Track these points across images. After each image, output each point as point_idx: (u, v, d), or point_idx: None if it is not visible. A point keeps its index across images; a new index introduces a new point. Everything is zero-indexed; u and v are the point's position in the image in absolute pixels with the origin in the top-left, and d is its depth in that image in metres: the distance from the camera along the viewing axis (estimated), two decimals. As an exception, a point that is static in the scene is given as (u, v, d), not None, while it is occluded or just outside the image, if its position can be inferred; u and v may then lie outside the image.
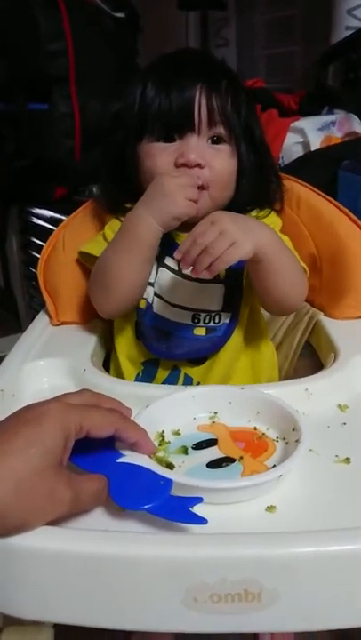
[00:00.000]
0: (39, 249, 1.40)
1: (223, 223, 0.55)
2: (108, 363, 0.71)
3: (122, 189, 0.68)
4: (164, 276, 0.67)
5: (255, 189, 0.67)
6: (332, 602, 0.36)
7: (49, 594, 0.37)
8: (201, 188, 0.62)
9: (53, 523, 0.37)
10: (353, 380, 0.56)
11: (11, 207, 1.47)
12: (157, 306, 0.67)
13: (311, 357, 0.72)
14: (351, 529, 0.37)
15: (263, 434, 0.49)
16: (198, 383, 0.66)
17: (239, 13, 1.50)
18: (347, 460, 0.45)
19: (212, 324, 0.65)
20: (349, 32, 1.22)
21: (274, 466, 0.44)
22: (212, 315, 0.65)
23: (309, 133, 1.08)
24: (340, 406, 0.53)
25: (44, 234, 1.38)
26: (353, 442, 0.48)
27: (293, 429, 0.46)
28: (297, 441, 0.44)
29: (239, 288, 0.66)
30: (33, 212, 1.41)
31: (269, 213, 0.70)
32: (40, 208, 1.40)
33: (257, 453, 0.47)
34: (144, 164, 0.64)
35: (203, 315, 0.66)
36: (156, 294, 0.67)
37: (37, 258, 1.41)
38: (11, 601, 0.37)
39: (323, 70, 1.24)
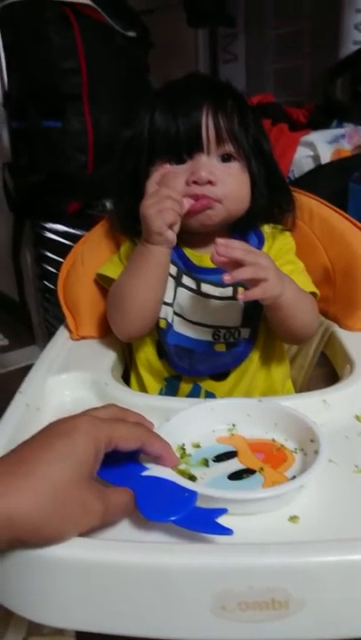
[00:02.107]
0: (53, 263, 1.44)
1: (264, 259, 0.57)
2: (127, 375, 0.73)
3: (134, 213, 0.68)
4: (183, 296, 0.68)
5: (268, 202, 0.69)
6: (359, 610, 0.37)
7: (79, 602, 0.38)
8: (214, 200, 0.63)
9: (84, 535, 0.38)
10: (370, 391, 0.56)
11: (25, 221, 1.50)
12: (178, 324, 0.68)
13: (325, 367, 0.73)
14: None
15: (282, 445, 0.50)
16: None
17: (248, 29, 1.52)
18: (365, 470, 0.46)
19: (232, 339, 0.67)
20: (357, 46, 1.24)
21: (294, 477, 0.45)
22: (232, 331, 0.67)
23: (319, 147, 1.09)
24: (357, 417, 0.54)
25: (58, 248, 1.41)
26: (371, 452, 0.49)
27: (312, 440, 0.47)
28: (316, 452, 0.45)
29: (257, 304, 0.66)
30: (47, 227, 1.43)
31: (283, 231, 0.71)
32: (54, 222, 1.42)
33: (276, 464, 0.48)
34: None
35: (223, 331, 0.67)
36: (175, 313, 0.68)
37: (51, 271, 1.44)
38: (42, 610, 0.39)
39: (331, 84, 1.26)
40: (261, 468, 0.47)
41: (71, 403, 0.59)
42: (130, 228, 0.70)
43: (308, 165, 1.10)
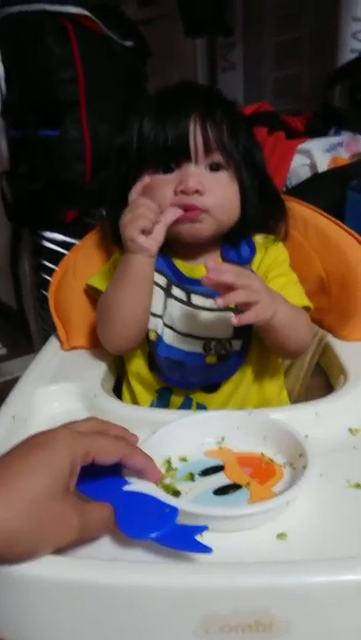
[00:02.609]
0: (51, 271, 1.43)
1: (256, 281, 0.57)
2: (118, 387, 0.72)
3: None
4: (174, 307, 0.67)
5: (260, 212, 0.68)
6: (346, 633, 0.36)
7: (55, 623, 0.37)
8: (202, 211, 0.62)
9: (60, 551, 0.37)
10: (363, 403, 0.55)
11: (23, 230, 1.50)
12: (168, 336, 0.67)
13: (322, 376, 0.72)
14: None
15: (270, 459, 0.49)
16: None
17: (246, 37, 1.52)
18: (358, 486, 0.45)
19: (223, 351, 0.66)
20: (355, 54, 1.24)
21: (281, 492, 0.44)
22: (223, 342, 0.66)
23: (317, 155, 1.08)
24: (350, 430, 0.53)
25: (56, 256, 1.40)
26: (364, 467, 0.47)
27: (300, 455, 0.46)
28: (304, 467, 0.44)
29: None
30: (45, 235, 1.43)
31: (275, 241, 0.70)
32: (52, 231, 1.42)
33: (264, 479, 0.47)
34: (145, 196, 0.64)
35: (214, 343, 0.66)
36: (166, 325, 0.67)
37: (49, 280, 1.43)
38: (16, 629, 0.37)
39: (329, 92, 1.25)
40: (248, 483, 0.46)
41: (60, 414, 0.58)
42: (119, 237, 0.70)
43: (305, 174, 1.09)
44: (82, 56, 1.26)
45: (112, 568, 0.37)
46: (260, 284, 0.57)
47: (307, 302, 0.66)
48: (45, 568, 0.36)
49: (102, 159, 1.31)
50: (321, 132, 1.17)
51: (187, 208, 0.61)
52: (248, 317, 0.56)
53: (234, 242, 0.68)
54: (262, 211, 0.68)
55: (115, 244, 0.71)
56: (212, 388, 0.67)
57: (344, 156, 1.08)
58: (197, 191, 0.61)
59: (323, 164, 1.07)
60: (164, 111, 0.63)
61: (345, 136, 1.12)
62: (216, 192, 0.62)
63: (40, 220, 1.43)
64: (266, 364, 0.70)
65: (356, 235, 0.71)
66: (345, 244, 0.71)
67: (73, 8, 1.25)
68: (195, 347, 0.67)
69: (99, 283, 0.69)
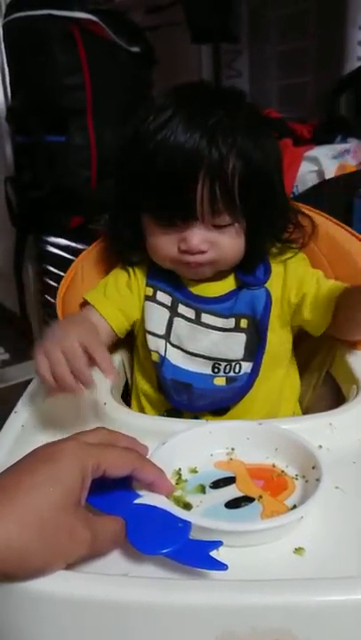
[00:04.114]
0: (55, 277, 1.43)
1: None
2: (126, 395, 0.71)
3: (126, 241, 0.67)
4: (181, 326, 0.66)
5: (270, 243, 0.66)
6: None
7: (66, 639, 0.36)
8: (206, 264, 0.62)
9: (71, 566, 0.36)
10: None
11: (27, 236, 1.49)
12: (175, 357, 0.66)
13: (330, 385, 0.71)
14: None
15: (282, 471, 0.48)
16: None
17: (252, 45, 1.52)
18: (375, 499, 0.44)
19: (232, 373, 0.64)
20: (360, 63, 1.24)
21: (294, 506, 0.43)
22: (233, 364, 0.64)
23: (324, 162, 1.08)
24: (364, 441, 0.52)
25: (60, 262, 1.40)
26: (380, 479, 0.46)
27: (313, 467, 0.45)
28: (317, 479, 0.43)
29: (261, 338, 0.64)
30: (49, 241, 1.43)
31: (296, 254, 0.68)
32: (56, 237, 1.42)
33: (276, 492, 0.46)
34: (147, 236, 0.64)
35: (223, 364, 0.64)
36: (172, 345, 0.66)
37: (53, 286, 1.43)
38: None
39: (336, 100, 1.25)
40: (260, 496, 0.45)
41: (69, 423, 0.57)
42: (120, 252, 0.70)
43: (312, 180, 1.09)
44: (88, 62, 1.26)
45: (123, 584, 0.36)
46: None
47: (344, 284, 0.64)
48: (56, 584, 0.35)
49: (108, 166, 1.31)
50: (327, 140, 1.16)
51: (190, 265, 0.61)
52: None
53: (247, 268, 0.66)
54: (275, 234, 0.66)
55: (116, 254, 0.70)
56: (220, 411, 0.65)
57: (351, 164, 1.08)
58: (201, 251, 0.60)
59: (330, 171, 1.07)
60: (169, 169, 0.57)
61: (352, 143, 1.12)
62: (220, 247, 0.61)
63: (44, 226, 1.43)
64: (279, 388, 0.69)
65: (367, 241, 0.71)
66: (356, 252, 0.70)
67: (80, 13, 1.25)
68: (203, 367, 0.65)
69: (91, 297, 0.68)
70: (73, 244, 1.39)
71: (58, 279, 1.39)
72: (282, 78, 1.52)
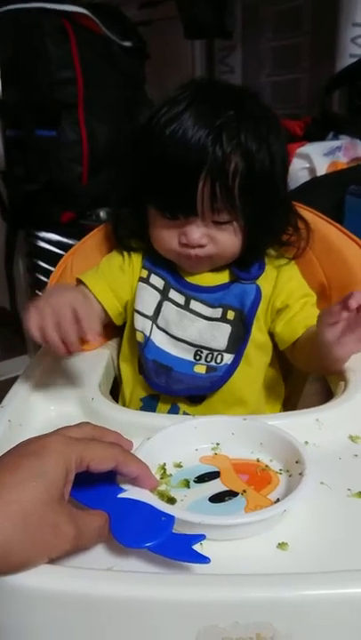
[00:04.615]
0: (46, 272, 1.42)
1: None
2: (115, 390, 0.71)
3: (129, 227, 0.69)
4: (169, 310, 0.67)
5: (268, 243, 0.68)
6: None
7: (49, 634, 0.36)
8: (205, 258, 0.64)
9: (54, 561, 0.36)
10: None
11: (18, 230, 1.48)
12: (160, 339, 0.67)
13: (317, 382, 0.71)
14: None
15: (266, 466, 0.48)
16: None
17: (245, 41, 1.52)
18: (359, 495, 0.45)
19: (213, 363, 0.65)
20: (354, 59, 1.24)
21: (278, 500, 0.43)
22: (215, 354, 0.65)
23: (315, 159, 1.08)
24: (351, 437, 0.52)
25: (51, 257, 1.39)
26: (365, 475, 0.47)
27: (297, 462, 0.46)
28: (301, 474, 0.43)
29: (246, 332, 0.65)
30: (40, 236, 1.42)
31: (288, 263, 0.69)
32: (47, 232, 1.41)
33: (260, 486, 0.46)
34: (150, 225, 0.65)
35: (205, 352, 0.66)
36: (159, 327, 0.67)
37: (44, 281, 1.43)
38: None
39: (328, 97, 1.25)
40: (244, 491, 0.45)
41: (57, 418, 0.57)
42: (122, 240, 0.70)
43: (303, 177, 1.09)
44: (80, 56, 1.25)
45: (107, 578, 0.36)
46: None
47: (313, 297, 0.68)
48: (39, 578, 0.35)
49: (99, 161, 1.31)
50: (319, 137, 1.17)
51: (189, 257, 0.63)
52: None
53: (243, 264, 0.67)
54: (273, 235, 0.68)
55: (119, 242, 0.71)
56: (196, 399, 0.66)
57: (343, 161, 1.08)
58: (200, 245, 0.62)
59: (322, 168, 1.07)
60: (174, 165, 0.58)
61: (344, 140, 1.12)
62: (219, 243, 0.63)
63: (35, 221, 1.42)
64: (258, 384, 0.69)
65: (358, 239, 0.71)
66: (346, 249, 0.71)
67: (72, 7, 1.24)
68: (185, 353, 0.66)
69: (83, 276, 0.69)
70: (64, 240, 1.39)
71: (48, 274, 1.37)
72: (275, 75, 1.52)
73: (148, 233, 0.66)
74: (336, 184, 1.04)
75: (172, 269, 0.68)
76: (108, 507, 0.40)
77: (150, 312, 0.67)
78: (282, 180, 0.65)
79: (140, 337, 0.66)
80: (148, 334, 0.66)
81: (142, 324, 0.66)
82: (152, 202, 0.63)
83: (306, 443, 0.49)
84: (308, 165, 1.09)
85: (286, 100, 1.48)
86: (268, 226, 0.65)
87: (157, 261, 0.69)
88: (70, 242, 1.34)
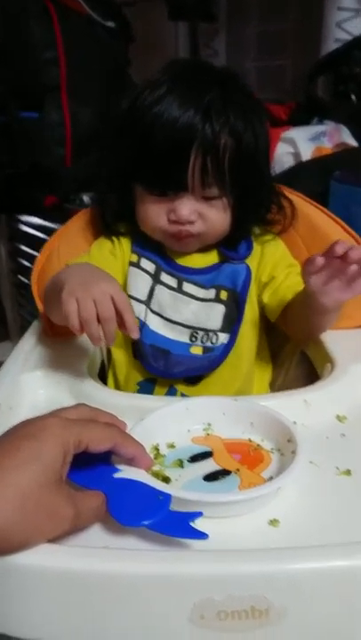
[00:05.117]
0: (28, 257, 1.41)
1: None
2: (103, 373, 0.71)
3: (116, 210, 0.69)
4: (163, 294, 0.67)
5: (254, 221, 0.68)
6: (342, 619, 0.36)
7: (50, 612, 0.36)
8: (194, 235, 0.64)
9: (53, 541, 0.36)
10: (351, 390, 0.56)
11: (0, 214, 1.46)
12: (155, 323, 0.67)
13: (303, 366, 0.72)
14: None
15: (258, 445, 0.49)
16: None
17: (229, 25, 1.51)
18: (348, 473, 0.46)
19: (209, 343, 0.66)
20: (339, 44, 1.24)
21: (271, 478, 0.44)
22: (210, 334, 0.66)
23: (300, 144, 1.08)
24: (338, 417, 0.53)
25: (34, 242, 1.38)
26: (353, 453, 0.48)
27: (289, 441, 0.46)
28: (293, 452, 0.44)
29: (240, 311, 0.66)
30: (22, 220, 1.40)
31: (274, 238, 0.70)
32: (30, 216, 1.39)
33: (253, 465, 0.47)
34: (137, 205, 0.65)
35: (201, 333, 0.66)
36: (153, 312, 0.67)
37: (26, 266, 1.41)
38: (11, 620, 0.37)
39: (313, 82, 1.25)
40: (238, 469, 0.46)
41: (45, 401, 0.57)
42: (108, 224, 0.70)
43: (288, 162, 1.09)
44: (63, 37, 1.22)
45: (104, 556, 0.36)
46: None
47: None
48: (38, 557, 0.35)
49: (83, 144, 1.29)
50: (304, 122, 1.17)
51: (179, 235, 0.63)
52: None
53: (230, 243, 0.68)
54: (259, 213, 0.68)
55: (105, 229, 0.70)
56: (194, 380, 0.67)
57: (327, 146, 1.09)
58: (190, 221, 0.62)
59: (306, 154, 1.07)
60: (163, 139, 0.59)
61: (328, 126, 1.12)
62: (208, 219, 0.63)
63: (18, 206, 1.40)
64: (251, 363, 0.70)
65: (343, 223, 0.72)
66: (332, 233, 0.71)
67: (55, -16, 1.21)
68: (181, 335, 0.66)
69: (74, 262, 0.67)
70: (47, 224, 1.37)
71: (31, 259, 1.37)
72: (260, 59, 1.51)
73: (134, 214, 0.66)
74: (321, 169, 1.04)
75: (161, 252, 0.68)
76: (104, 487, 0.40)
77: (144, 297, 0.67)
78: (265, 159, 0.67)
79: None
80: (143, 319, 0.66)
81: (137, 309, 0.66)
82: (140, 179, 0.63)
83: (294, 423, 0.50)
84: (293, 150, 1.10)
85: (271, 84, 1.48)
86: (255, 203, 0.66)
87: (146, 245, 0.68)
88: (54, 226, 1.32)
